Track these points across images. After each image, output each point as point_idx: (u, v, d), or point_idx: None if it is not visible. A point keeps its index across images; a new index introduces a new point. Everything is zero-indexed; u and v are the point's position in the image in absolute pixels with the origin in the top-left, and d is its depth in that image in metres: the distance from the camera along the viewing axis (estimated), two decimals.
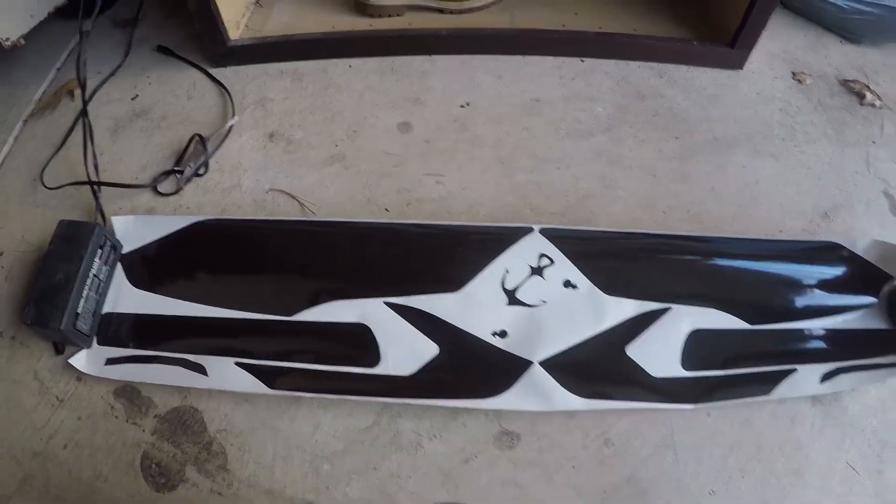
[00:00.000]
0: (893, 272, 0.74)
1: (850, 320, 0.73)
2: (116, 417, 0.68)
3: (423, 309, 0.66)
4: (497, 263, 0.67)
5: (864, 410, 0.70)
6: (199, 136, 0.77)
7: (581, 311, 0.67)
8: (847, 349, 0.71)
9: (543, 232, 0.69)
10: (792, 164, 0.81)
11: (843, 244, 0.74)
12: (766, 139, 0.82)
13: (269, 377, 0.65)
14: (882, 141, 0.85)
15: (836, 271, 0.74)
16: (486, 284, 0.67)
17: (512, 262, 0.67)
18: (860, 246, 0.74)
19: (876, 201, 0.81)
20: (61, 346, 0.71)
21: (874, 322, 0.73)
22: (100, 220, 0.75)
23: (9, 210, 0.78)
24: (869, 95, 0.91)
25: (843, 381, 0.69)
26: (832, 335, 0.72)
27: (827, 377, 0.69)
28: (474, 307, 0.66)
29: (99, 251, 0.70)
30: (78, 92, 0.84)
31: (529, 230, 0.69)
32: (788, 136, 0.83)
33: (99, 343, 0.69)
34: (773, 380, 0.69)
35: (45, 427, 0.67)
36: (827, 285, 0.74)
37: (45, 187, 0.77)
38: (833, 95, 0.91)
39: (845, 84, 0.93)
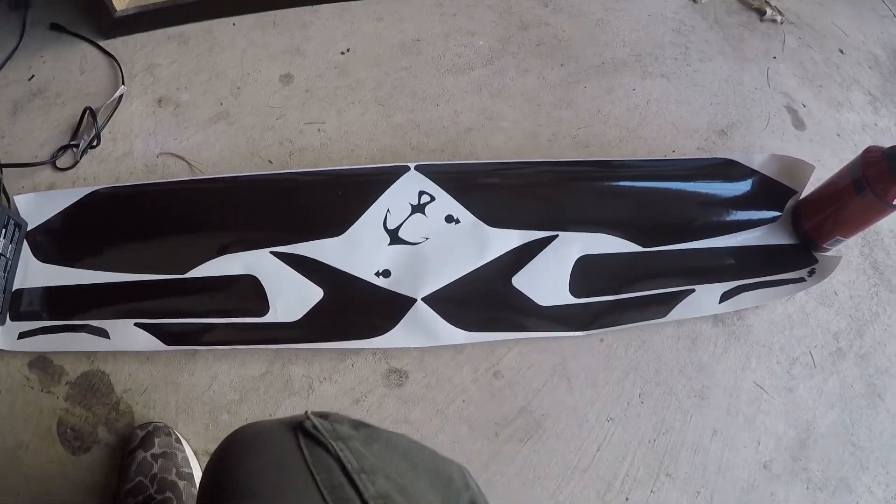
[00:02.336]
0: (795, 186, 0.71)
1: (753, 237, 0.70)
2: (32, 388, 0.67)
3: (308, 255, 0.64)
4: (378, 204, 0.65)
5: (771, 328, 0.68)
6: (90, 108, 0.74)
7: (464, 244, 0.65)
8: (748, 266, 0.69)
9: (419, 169, 0.66)
10: (685, 83, 0.77)
11: (738, 160, 0.71)
12: (657, 60, 0.78)
13: (167, 335, 0.64)
14: (784, 56, 0.81)
15: (735, 188, 0.71)
16: (368, 226, 0.64)
17: (393, 202, 0.65)
18: (757, 161, 0.70)
19: (777, 115, 0.77)
20: None
21: (778, 237, 0.70)
22: (3, 201, 0.74)
23: None
24: (769, 11, 0.86)
25: (744, 299, 0.67)
26: (733, 253, 0.69)
27: (727, 296, 0.67)
28: (357, 249, 0.64)
29: (3, 231, 0.69)
30: None
31: (406, 169, 0.66)
32: (681, 55, 0.79)
33: (11, 319, 0.69)
34: (669, 301, 0.66)
35: None
36: (726, 202, 0.70)
37: None
38: (731, 13, 0.86)
39: (743, 1, 0.88)
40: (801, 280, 0.68)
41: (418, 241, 0.65)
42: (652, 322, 0.66)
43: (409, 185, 0.66)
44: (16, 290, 0.69)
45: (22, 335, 0.67)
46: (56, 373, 0.67)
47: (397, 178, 0.66)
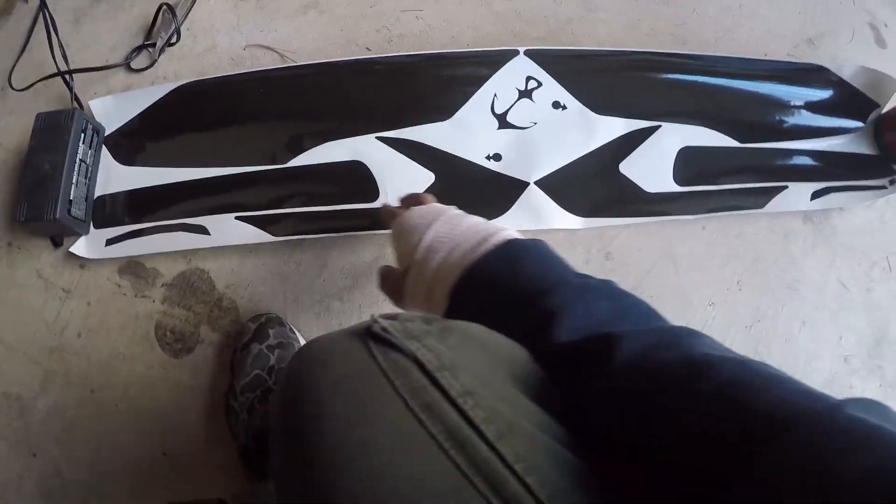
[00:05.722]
0: (880, 100, 0.71)
1: (838, 144, 0.70)
2: (125, 294, 0.64)
3: (416, 139, 0.61)
4: (485, 89, 0.62)
5: (853, 230, 0.68)
6: (168, 4, 0.69)
7: (572, 130, 0.63)
8: (835, 170, 0.69)
9: (528, 53, 0.63)
10: None
11: (830, 68, 0.70)
12: None
13: (271, 225, 0.61)
14: None
15: (823, 94, 0.70)
16: (475, 110, 0.62)
17: (500, 86, 0.62)
18: (846, 71, 0.70)
19: (861, 31, 0.77)
20: (59, 239, 0.66)
21: (860, 147, 0.70)
22: (77, 108, 0.70)
23: None
24: None
25: (833, 199, 0.67)
26: (821, 155, 0.69)
27: (817, 195, 0.67)
28: (466, 133, 0.61)
29: (82, 136, 0.64)
30: None
31: (515, 53, 0.63)
32: None
33: (96, 227, 0.65)
34: (766, 194, 0.66)
35: (55, 321, 0.63)
36: (815, 107, 0.70)
37: (14, 90, 0.71)
38: None
39: None
40: (884, 188, 0.69)
41: (527, 125, 0.62)
42: (750, 212, 0.66)
43: (517, 70, 0.63)
44: (98, 198, 0.65)
45: (110, 242, 0.64)
46: (149, 276, 0.64)
47: (505, 62, 0.63)
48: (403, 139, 0.61)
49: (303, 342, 0.60)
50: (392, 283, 0.47)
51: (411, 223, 0.44)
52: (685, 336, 0.30)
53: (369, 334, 0.29)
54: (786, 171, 0.68)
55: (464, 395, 0.26)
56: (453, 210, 0.45)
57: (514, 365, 0.31)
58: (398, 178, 0.61)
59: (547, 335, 0.32)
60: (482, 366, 0.29)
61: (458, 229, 0.41)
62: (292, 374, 0.30)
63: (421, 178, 0.61)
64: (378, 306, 0.61)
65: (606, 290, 0.35)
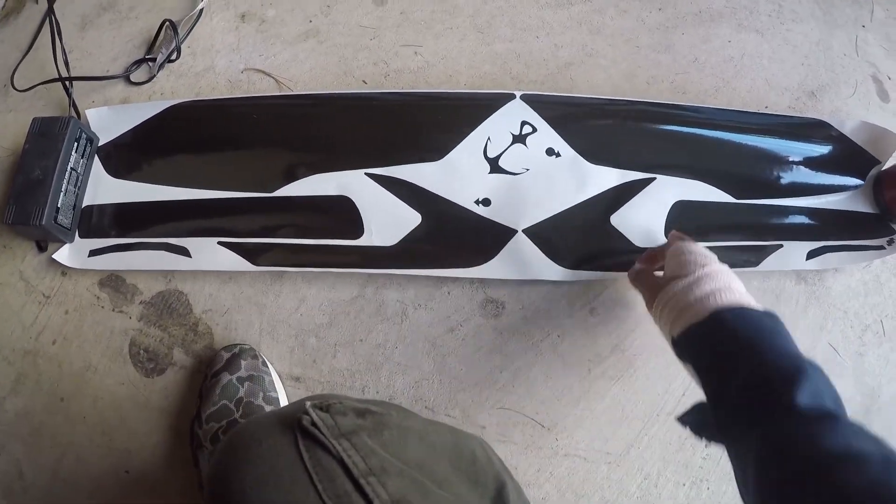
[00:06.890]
0: (880, 156, 0.69)
1: (836, 201, 0.68)
2: (103, 307, 0.64)
3: (405, 178, 0.60)
4: (479, 131, 0.61)
5: (847, 292, 0.66)
6: (170, 21, 0.69)
7: (564, 179, 0.61)
8: (833, 228, 0.67)
9: (525, 98, 0.62)
10: (778, 41, 0.74)
11: (831, 123, 0.68)
12: (751, 14, 0.75)
13: (253, 254, 0.60)
14: (871, 26, 0.79)
15: (823, 150, 0.68)
16: (467, 153, 0.60)
17: (493, 130, 0.61)
18: (848, 126, 0.68)
19: (864, 84, 0.75)
20: (44, 244, 0.66)
21: (859, 205, 0.68)
22: (74, 115, 0.69)
23: None
24: None
25: (829, 259, 0.65)
26: (818, 213, 0.67)
27: (813, 254, 0.65)
28: (456, 176, 0.60)
29: (75, 144, 0.63)
30: None
31: (511, 97, 0.62)
32: (775, 13, 0.76)
33: (81, 236, 0.64)
34: (760, 252, 0.64)
35: (33, 325, 0.63)
36: (814, 163, 0.68)
37: (16, 90, 0.71)
38: None
39: None
40: (882, 248, 0.67)
41: (519, 171, 0.61)
42: (744, 270, 0.64)
43: (513, 114, 0.62)
44: (86, 207, 0.65)
45: (93, 253, 0.63)
46: (129, 292, 0.64)
47: (501, 106, 0.62)
48: (393, 177, 0.60)
49: (275, 376, 0.59)
50: (651, 283, 0.53)
51: (699, 251, 0.50)
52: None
53: (299, 427, 0.28)
54: (781, 230, 0.67)
55: None
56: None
57: (458, 456, 0.30)
58: (384, 216, 0.59)
59: (787, 392, 0.36)
60: (422, 458, 0.29)
61: (734, 282, 0.48)
62: (220, 464, 0.30)
63: (407, 218, 0.59)
64: (352, 346, 0.60)
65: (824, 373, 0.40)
